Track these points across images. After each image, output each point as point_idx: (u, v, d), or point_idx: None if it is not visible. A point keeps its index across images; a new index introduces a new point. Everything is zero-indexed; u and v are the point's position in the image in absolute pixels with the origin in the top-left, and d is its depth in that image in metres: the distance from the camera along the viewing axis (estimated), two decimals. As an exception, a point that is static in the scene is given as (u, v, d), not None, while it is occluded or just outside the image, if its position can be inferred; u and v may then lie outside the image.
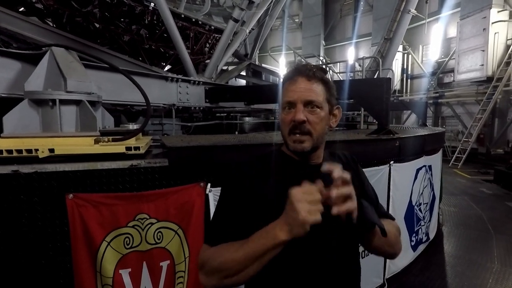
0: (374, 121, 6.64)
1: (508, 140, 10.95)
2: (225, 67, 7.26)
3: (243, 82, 8.87)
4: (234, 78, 7.90)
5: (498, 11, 10.88)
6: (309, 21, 20.71)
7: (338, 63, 16.51)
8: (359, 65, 9.91)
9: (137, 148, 1.71)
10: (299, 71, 0.94)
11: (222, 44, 5.22)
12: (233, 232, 0.87)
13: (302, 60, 10.77)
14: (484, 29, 11.01)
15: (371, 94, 3.19)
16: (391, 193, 2.99)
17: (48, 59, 2.26)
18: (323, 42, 20.73)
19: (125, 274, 1.61)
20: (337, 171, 0.75)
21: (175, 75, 4.00)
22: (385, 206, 3.01)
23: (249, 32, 6.83)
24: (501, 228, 4.76)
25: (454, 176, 8.86)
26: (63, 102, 2.04)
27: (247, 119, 6.38)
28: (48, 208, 1.54)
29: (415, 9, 9.02)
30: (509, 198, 6.50)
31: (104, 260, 1.58)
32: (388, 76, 9.49)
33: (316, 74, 0.93)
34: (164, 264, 1.69)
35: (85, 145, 1.71)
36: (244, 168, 1.02)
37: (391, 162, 2.94)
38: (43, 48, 2.56)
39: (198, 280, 1.79)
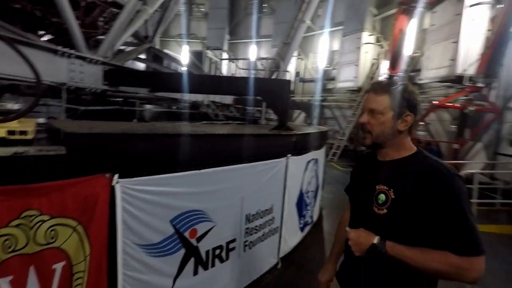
0: (272, 117, 7.26)
1: (369, 139, 13.71)
2: (122, 47, 6.55)
3: (142, 65, 8.18)
4: (131, 61, 7.21)
5: (369, 35, 13.43)
6: (215, 13, 20.66)
7: (241, 60, 17.11)
8: (261, 64, 10.55)
9: (23, 132, 1.42)
10: (371, 87, 1.25)
11: (122, 21, 4.71)
12: None
13: (210, 51, 10.71)
14: (358, 47, 13.42)
15: (275, 93, 3.50)
16: (287, 183, 3.36)
17: None
18: (228, 36, 21.06)
19: (4, 283, 1.33)
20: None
21: (67, 50, 3.39)
22: (280, 194, 3.36)
23: (153, 13, 6.34)
24: (362, 209, 5.99)
25: (330, 168, 10.53)
26: None
27: (148, 106, 5.94)
28: None
29: (310, 21, 10.16)
30: (368, 186, 8.18)
31: (-28, 270, 1.27)
32: (286, 78, 10.41)
33: (382, 88, 1.20)
34: (58, 266, 1.47)
35: None
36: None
37: (289, 155, 3.31)
38: None
39: (99, 279, 1.65)
